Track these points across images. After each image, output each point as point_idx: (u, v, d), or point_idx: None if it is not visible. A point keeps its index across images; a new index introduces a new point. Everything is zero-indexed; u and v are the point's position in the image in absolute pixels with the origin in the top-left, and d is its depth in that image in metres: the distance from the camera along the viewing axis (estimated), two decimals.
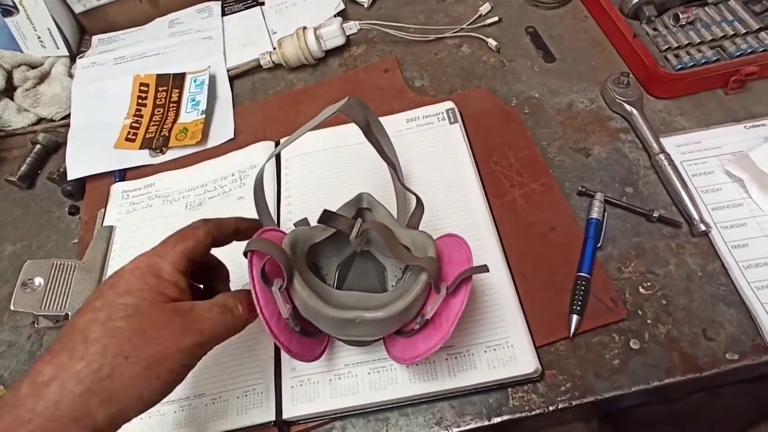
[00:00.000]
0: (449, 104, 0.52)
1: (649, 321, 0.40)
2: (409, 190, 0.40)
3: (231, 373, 0.40)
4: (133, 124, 0.59)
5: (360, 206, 0.39)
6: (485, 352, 0.38)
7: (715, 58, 0.50)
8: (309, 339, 0.36)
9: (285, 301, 0.31)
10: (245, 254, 0.32)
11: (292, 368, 0.39)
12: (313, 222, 0.37)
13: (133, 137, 0.58)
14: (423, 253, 0.34)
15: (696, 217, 0.43)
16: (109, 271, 0.47)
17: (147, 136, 0.58)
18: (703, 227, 0.42)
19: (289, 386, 0.39)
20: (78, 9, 0.68)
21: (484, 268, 0.33)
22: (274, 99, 0.60)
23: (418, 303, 0.33)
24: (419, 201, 0.40)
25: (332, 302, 0.33)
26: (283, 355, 0.40)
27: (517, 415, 0.38)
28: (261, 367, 0.40)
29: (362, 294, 0.36)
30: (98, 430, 0.25)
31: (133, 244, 0.49)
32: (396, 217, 0.43)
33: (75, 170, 0.56)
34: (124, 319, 0.27)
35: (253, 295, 0.31)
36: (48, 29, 0.65)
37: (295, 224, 0.40)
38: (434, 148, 0.49)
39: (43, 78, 0.65)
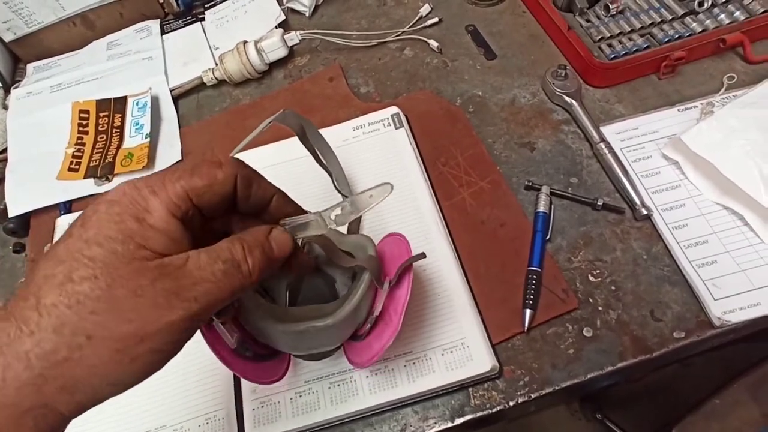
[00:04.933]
0: (394, 109, 0.52)
1: (600, 308, 0.41)
2: (344, 195, 0.41)
3: (191, 401, 0.40)
4: (76, 153, 0.57)
5: None
6: (442, 354, 0.38)
7: (646, 45, 0.52)
8: (267, 362, 0.35)
9: (231, 331, 0.31)
10: None
11: (252, 390, 0.39)
12: None
13: (77, 167, 0.56)
14: (364, 255, 0.34)
15: (637, 201, 0.44)
16: None
17: (91, 164, 0.56)
18: (644, 211, 0.44)
19: (250, 409, 0.38)
20: (8, 37, 0.66)
21: (422, 256, 0.33)
22: (221, 116, 0.59)
23: (365, 303, 0.33)
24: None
25: (282, 317, 0.32)
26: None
27: (479, 414, 0.38)
28: (221, 392, 0.39)
29: (312, 306, 0.36)
30: (62, 419, 0.20)
31: None
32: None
33: (16, 206, 0.54)
34: (88, 281, 0.20)
35: (200, 331, 0.30)
36: None
37: None
38: (381, 155, 0.49)
39: None
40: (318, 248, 0.35)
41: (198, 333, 0.30)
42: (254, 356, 0.34)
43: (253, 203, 0.26)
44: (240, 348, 0.32)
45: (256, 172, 0.26)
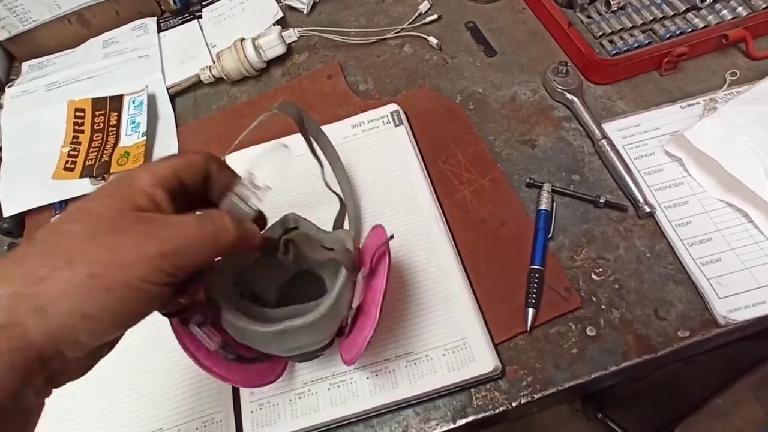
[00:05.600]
0: (393, 107, 0.51)
1: (603, 307, 0.41)
2: (332, 190, 0.40)
3: (188, 403, 0.39)
4: (71, 152, 0.57)
5: (287, 226, 0.38)
6: (444, 355, 0.38)
7: (647, 42, 0.51)
8: (256, 365, 0.35)
9: (212, 334, 0.30)
10: None
11: (251, 392, 0.38)
12: None
13: (72, 166, 0.56)
14: (341, 249, 0.34)
15: (640, 199, 0.44)
16: None
17: (87, 163, 0.56)
18: (647, 209, 0.43)
19: (248, 411, 0.38)
20: (3, 36, 0.65)
21: (389, 237, 0.33)
22: (218, 114, 0.59)
23: (345, 297, 0.32)
24: (341, 201, 0.41)
25: (264, 319, 0.32)
26: None
27: (481, 415, 0.38)
28: (219, 394, 0.39)
29: (296, 307, 0.35)
30: (34, 347, 0.20)
31: None
32: (345, 223, 0.43)
33: (11, 206, 0.53)
34: (78, 223, 0.23)
35: (175, 335, 0.30)
36: None
37: None
38: (381, 153, 0.48)
39: None
40: (304, 249, 0.34)
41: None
42: (238, 359, 0.33)
43: (220, 183, 0.30)
44: (222, 351, 0.31)
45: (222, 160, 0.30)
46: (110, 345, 0.25)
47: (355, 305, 0.32)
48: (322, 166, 0.40)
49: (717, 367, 0.75)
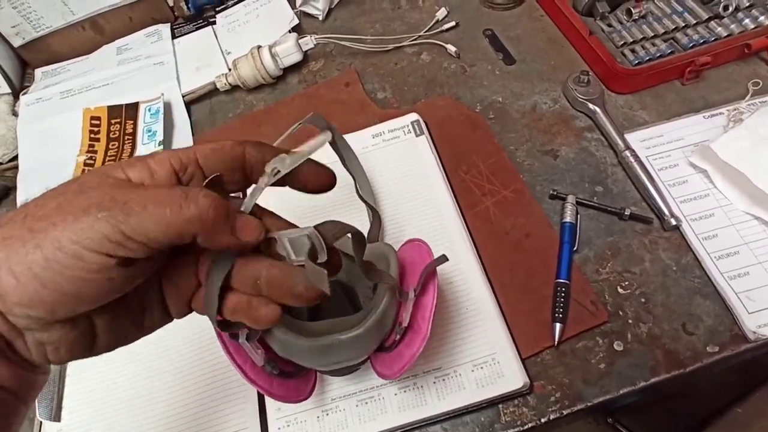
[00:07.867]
0: (414, 116, 0.51)
1: (630, 321, 0.40)
2: (366, 203, 0.40)
3: (214, 419, 0.39)
4: (87, 161, 0.56)
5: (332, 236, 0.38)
6: (473, 371, 0.37)
7: (670, 51, 0.51)
8: (293, 380, 0.35)
9: (256, 348, 0.30)
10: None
11: (278, 409, 0.38)
12: None
13: None
14: (384, 264, 0.34)
15: (666, 211, 0.43)
16: None
17: None
18: (673, 221, 0.43)
19: (275, 428, 0.37)
20: (17, 42, 0.65)
21: (443, 259, 0.33)
22: (235, 123, 0.58)
23: (391, 312, 0.33)
24: (376, 213, 0.40)
25: (305, 332, 0.31)
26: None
27: (510, 431, 0.37)
28: (245, 410, 0.39)
29: (336, 320, 0.35)
30: None
31: None
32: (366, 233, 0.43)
33: None
34: (68, 185, 0.21)
35: (222, 347, 0.30)
36: None
37: None
38: (402, 163, 0.48)
39: None
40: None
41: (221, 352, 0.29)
42: (280, 374, 0.33)
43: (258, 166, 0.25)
44: (267, 365, 0.31)
45: (269, 145, 0.26)
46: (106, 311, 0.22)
47: (405, 323, 0.32)
48: (355, 179, 0.39)
49: (730, 376, 0.75)
